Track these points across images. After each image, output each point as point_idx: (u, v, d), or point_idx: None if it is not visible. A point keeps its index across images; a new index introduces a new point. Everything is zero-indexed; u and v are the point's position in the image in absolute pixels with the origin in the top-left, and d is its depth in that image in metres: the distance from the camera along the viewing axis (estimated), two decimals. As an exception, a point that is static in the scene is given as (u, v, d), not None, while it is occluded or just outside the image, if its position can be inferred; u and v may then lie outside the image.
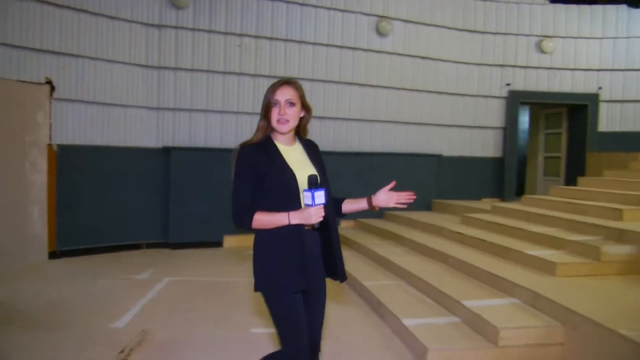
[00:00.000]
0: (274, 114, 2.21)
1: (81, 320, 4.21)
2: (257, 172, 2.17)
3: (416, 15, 8.53)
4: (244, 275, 5.81)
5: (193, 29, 7.25)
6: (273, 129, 2.26)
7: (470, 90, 9.04)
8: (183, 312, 4.49)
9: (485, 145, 9.22)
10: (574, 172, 9.09)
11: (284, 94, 2.21)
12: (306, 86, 7.89)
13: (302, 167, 2.24)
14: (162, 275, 5.74)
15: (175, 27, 7.17)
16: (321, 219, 2.14)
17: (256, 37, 7.59)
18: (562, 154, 9.84)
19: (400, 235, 6.70)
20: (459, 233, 6.09)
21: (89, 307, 4.57)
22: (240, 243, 7.51)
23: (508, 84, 9.13)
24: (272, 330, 4.01)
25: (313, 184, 2.11)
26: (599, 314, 3.30)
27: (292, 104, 2.22)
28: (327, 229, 2.25)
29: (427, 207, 8.66)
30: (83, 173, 6.70)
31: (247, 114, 7.65)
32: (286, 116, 2.20)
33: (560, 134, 9.94)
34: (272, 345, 3.68)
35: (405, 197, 2.33)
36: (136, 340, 3.77)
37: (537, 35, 9.21)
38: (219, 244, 7.49)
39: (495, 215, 6.73)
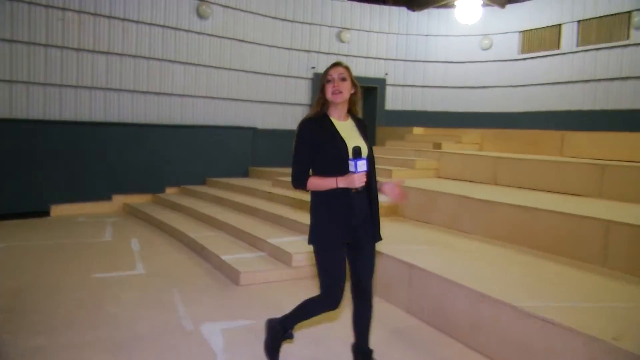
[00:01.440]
0: (329, 89, 2.62)
1: None
2: (313, 143, 2.58)
3: (234, 2, 9.44)
4: (78, 237, 6.34)
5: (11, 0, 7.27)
6: (329, 107, 2.66)
7: (281, 71, 10.30)
8: (25, 268, 4.95)
9: (295, 119, 10.55)
10: (366, 143, 10.96)
11: (337, 71, 2.63)
12: (129, 63, 8.41)
13: (352, 139, 2.62)
14: (-10, 242, 5.96)
15: (-9, -3, 7.13)
16: (363, 184, 2.50)
17: (79, 12, 7.82)
18: (358, 128, 11.70)
19: (220, 197, 7.71)
20: (269, 193, 7.32)
21: None
22: (70, 211, 7.83)
23: (313, 67, 10.59)
24: (114, 273, 4.80)
25: (356, 154, 2.51)
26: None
27: (343, 79, 2.63)
28: (369, 195, 2.65)
29: (245, 174, 9.79)
30: None
31: (70, 87, 7.89)
32: (339, 88, 2.60)
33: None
34: (114, 285, 4.46)
35: (402, 199, 2.77)
36: (-15, 290, 4.23)
37: (338, 27, 10.79)
38: (45, 213, 7.70)
39: (300, 178, 8.10)
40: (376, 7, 11.16)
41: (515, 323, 2.97)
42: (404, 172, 7.24)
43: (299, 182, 2.62)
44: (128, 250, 5.76)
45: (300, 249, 4.88)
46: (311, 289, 4.44)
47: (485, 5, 10.38)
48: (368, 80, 11.11)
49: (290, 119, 10.48)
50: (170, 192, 8.94)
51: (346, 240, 2.61)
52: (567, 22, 9.80)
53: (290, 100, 10.49)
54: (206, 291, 4.38)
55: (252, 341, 3.32)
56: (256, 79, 9.98)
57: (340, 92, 2.59)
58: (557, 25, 9.98)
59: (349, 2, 10.90)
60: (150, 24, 8.54)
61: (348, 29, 10.85)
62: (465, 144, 8.80)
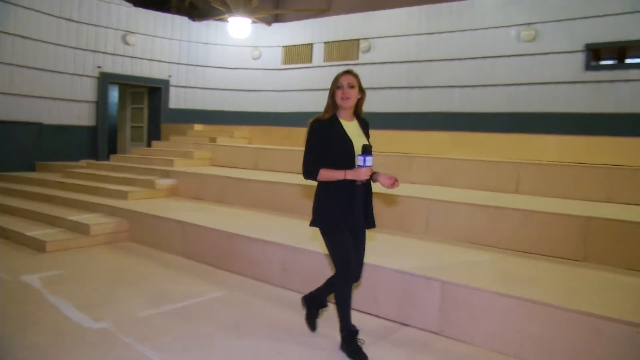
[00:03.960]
0: (339, 94, 2.98)
1: None
2: (323, 140, 2.95)
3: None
4: None
5: None
6: (338, 108, 3.03)
7: (67, 69, 10.83)
8: None
9: (81, 115, 11.22)
10: (152, 137, 12.11)
11: (347, 79, 2.98)
12: None
13: (357, 137, 3.02)
14: None
15: None
16: (368, 177, 2.92)
17: None
18: (145, 124, 12.77)
19: (11, 188, 8.23)
20: (60, 182, 8.16)
21: None
22: None
23: (99, 67, 11.36)
24: None
25: (366, 151, 2.89)
26: (146, 209, 6.14)
27: (352, 87, 2.97)
28: (367, 188, 3.09)
29: (31, 169, 10.19)
30: None
31: None
32: (348, 94, 2.96)
33: (143, 109, 12.82)
34: None
35: (395, 185, 2.98)
36: None
37: (123, 30, 11.70)
38: None
39: (90, 169, 9.04)
40: (160, 15, 12.35)
41: (249, 247, 4.77)
42: (185, 162, 8.72)
43: (310, 173, 3.00)
44: None
45: (97, 222, 6.08)
46: (105, 252, 5.73)
47: (254, 22, 12.35)
48: (152, 81, 12.25)
49: (76, 115, 11.08)
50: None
51: (348, 225, 3.00)
52: (316, 42, 12.33)
53: (76, 97, 11.08)
54: (18, 259, 5.32)
55: (64, 281, 4.56)
56: (40, 76, 10.40)
57: (349, 98, 2.97)
58: (309, 44, 12.46)
59: (134, 8, 11.89)
60: None
61: (133, 32, 11.83)
62: (237, 138, 10.61)
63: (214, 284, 4.52)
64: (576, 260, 4.24)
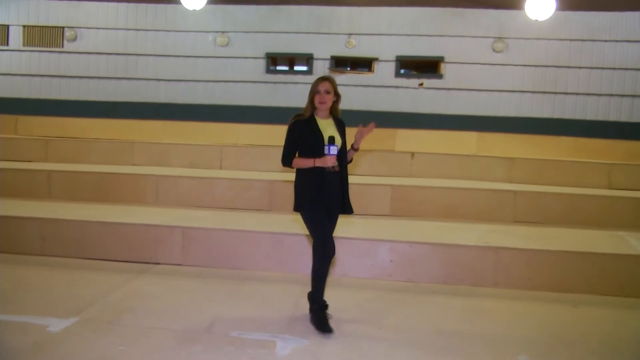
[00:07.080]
0: (317, 99, 3.51)
1: None
2: (299, 135, 3.49)
3: None
4: None
5: None
6: (316, 108, 3.54)
7: None
8: None
9: None
10: None
11: (324, 86, 3.51)
12: None
13: (328, 132, 3.50)
14: None
15: None
16: (334, 163, 3.45)
17: None
18: None
19: None
20: None
21: None
22: None
23: None
24: None
25: (330, 141, 3.42)
26: None
27: (327, 92, 3.51)
28: (341, 176, 3.58)
29: None
30: None
31: None
32: (324, 99, 3.50)
33: None
34: None
35: (369, 130, 3.60)
36: None
37: None
38: None
39: None
40: None
41: (5, 225, 5.29)
42: None
43: (287, 161, 3.57)
44: None
45: None
46: None
47: None
48: None
49: None
50: None
51: (321, 206, 3.51)
52: (13, 25, 11.91)
53: None
54: None
55: None
56: None
57: (325, 102, 3.53)
58: (4, 25, 11.93)
59: None
60: None
61: None
62: None
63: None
64: (265, 210, 6.28)
